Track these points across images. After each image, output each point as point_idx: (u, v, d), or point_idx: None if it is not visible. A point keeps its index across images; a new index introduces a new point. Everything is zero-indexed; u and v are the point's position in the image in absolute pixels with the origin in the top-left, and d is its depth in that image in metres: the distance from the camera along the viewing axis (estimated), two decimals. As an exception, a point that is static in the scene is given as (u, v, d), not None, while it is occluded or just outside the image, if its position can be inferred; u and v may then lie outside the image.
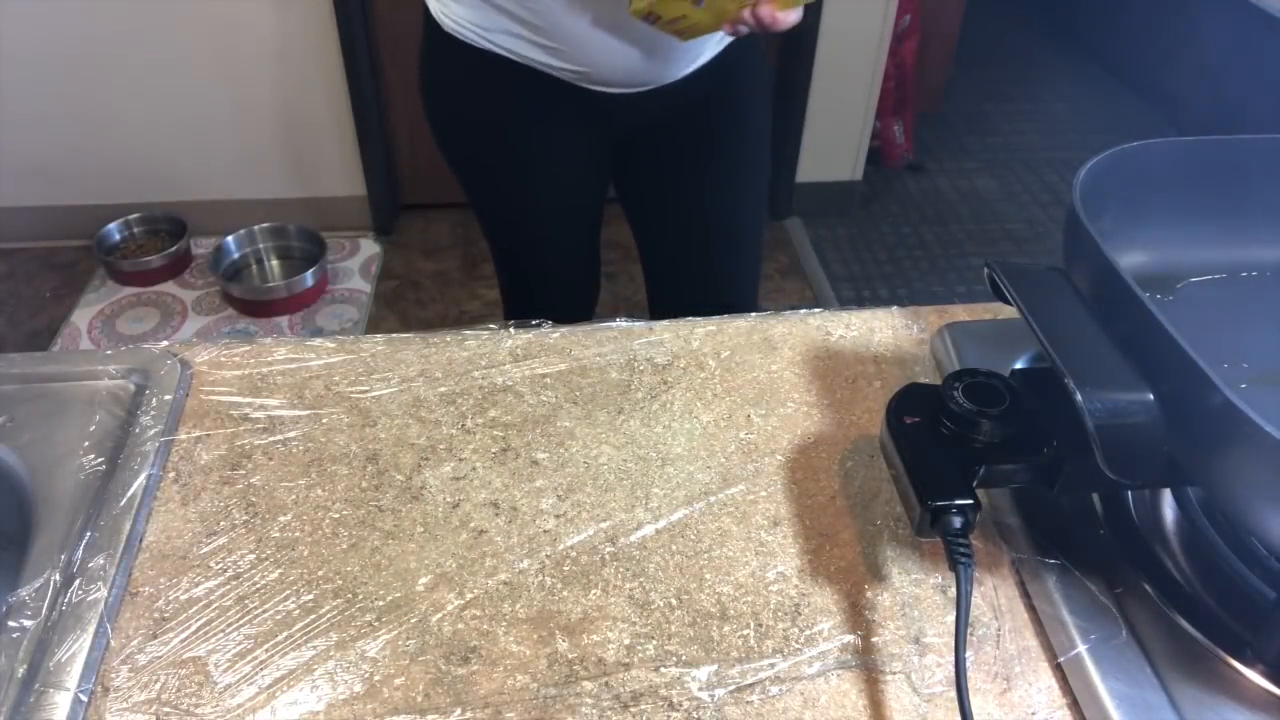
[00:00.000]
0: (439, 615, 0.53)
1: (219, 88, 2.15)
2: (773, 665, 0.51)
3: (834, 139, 2.44)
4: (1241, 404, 0.39)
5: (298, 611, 0.53)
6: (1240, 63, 2.66)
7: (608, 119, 1.02)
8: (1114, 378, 0.45)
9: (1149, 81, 3.12)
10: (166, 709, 0.48)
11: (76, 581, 0.53)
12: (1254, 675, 0.47)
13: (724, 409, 0.66)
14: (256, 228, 2.28)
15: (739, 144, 1.09)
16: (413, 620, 0.53)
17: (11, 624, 0.51)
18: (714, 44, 0.98)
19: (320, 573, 0.55)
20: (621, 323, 0.72)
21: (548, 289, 1.21)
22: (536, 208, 1.12)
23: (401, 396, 0.66)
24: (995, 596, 0.54)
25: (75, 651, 0.49)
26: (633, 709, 0.49)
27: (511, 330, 0.72)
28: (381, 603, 0.53)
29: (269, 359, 0.69)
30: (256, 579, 0.54)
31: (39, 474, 0.59)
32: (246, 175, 2.30)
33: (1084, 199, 0.51)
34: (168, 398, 0.64)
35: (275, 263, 2.31)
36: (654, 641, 0.52)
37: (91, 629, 0.51)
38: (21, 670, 0.49)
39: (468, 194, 1.15)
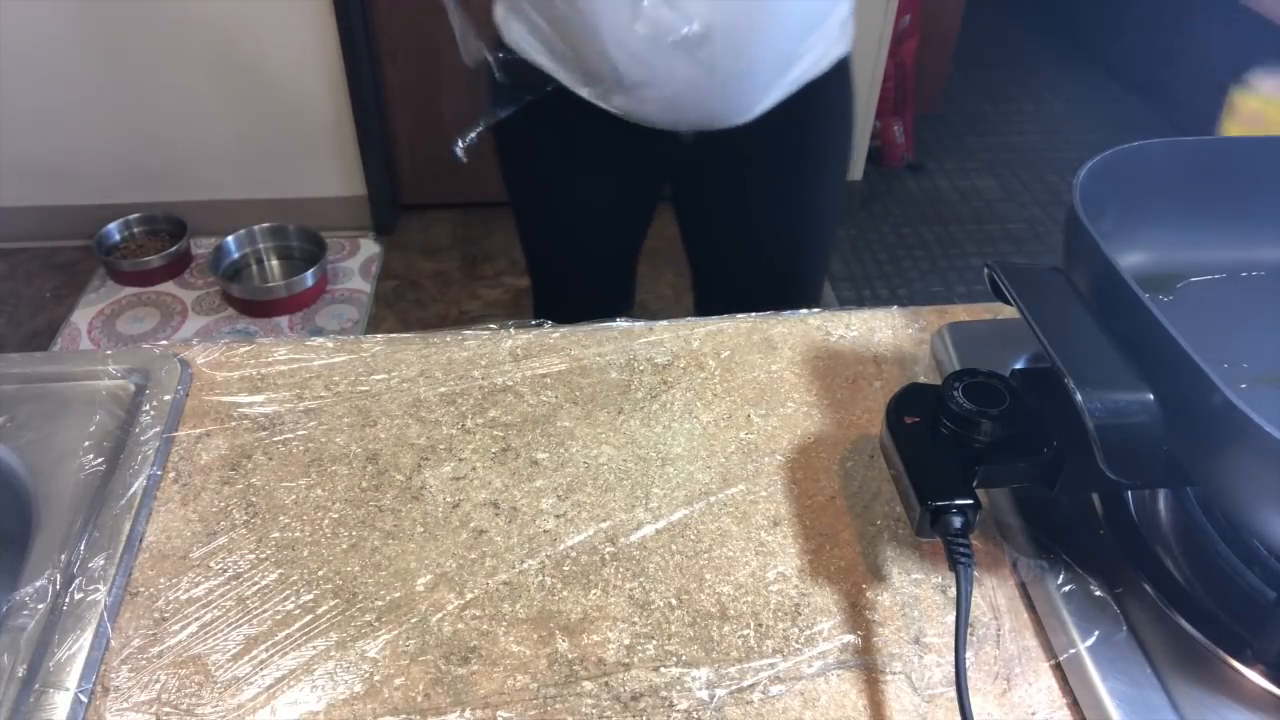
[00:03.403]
0: (439, 615, 0.53)
1: (219, 87, 2.15)
2: (773, 665, 0.51)
3: (834, 139, 2.43)
4: (1241, 404, 0.39)
5: (298, 611, 0.53)
6: (1240, 63, 2.66)
7: (665, 150, 0.96)
8: (1114, 378, 0.45)
9: (1149, 81, 3.12)
10: (166, 709, 0.48)
11: (76, 581, 0.53)
12: (1254, 675, 0.47)
13: (724, 409, 0.66)
14: (256, 228, 2.28)
15: (813, 179, 1.02)
16: (413, 620, 0.53)
17: (11, 624, 0.51)
18: (786, 84, 0.91)
19: (320, 573, 0.55)
20: (621, 323, 0.72)
21: (580, 297, 1.18)
22: (580, 221, 1.08)
23: (401, 396, 0.66)
24: (995, 596, 0.54)
25: (75, 651, 0.49)
26: (633, 709, 0.49)
27: (511, 330, 0.72)
28: (381, 603, 0.53)
29: (269, 359, 0.69)
30: (256, 579, 0.54)
31: (39, 474, 0.59)
32: (246, 175, 2.30)
33: (1084, 199, 0.51)
34: (168, 398, 0.64)
35: (275, 263, 2.31)
36: (654, 641, 0.52)
37: (91, 629, 0.51)
38: (21, 670, 0.49)
39: (512, 200, 1.12)
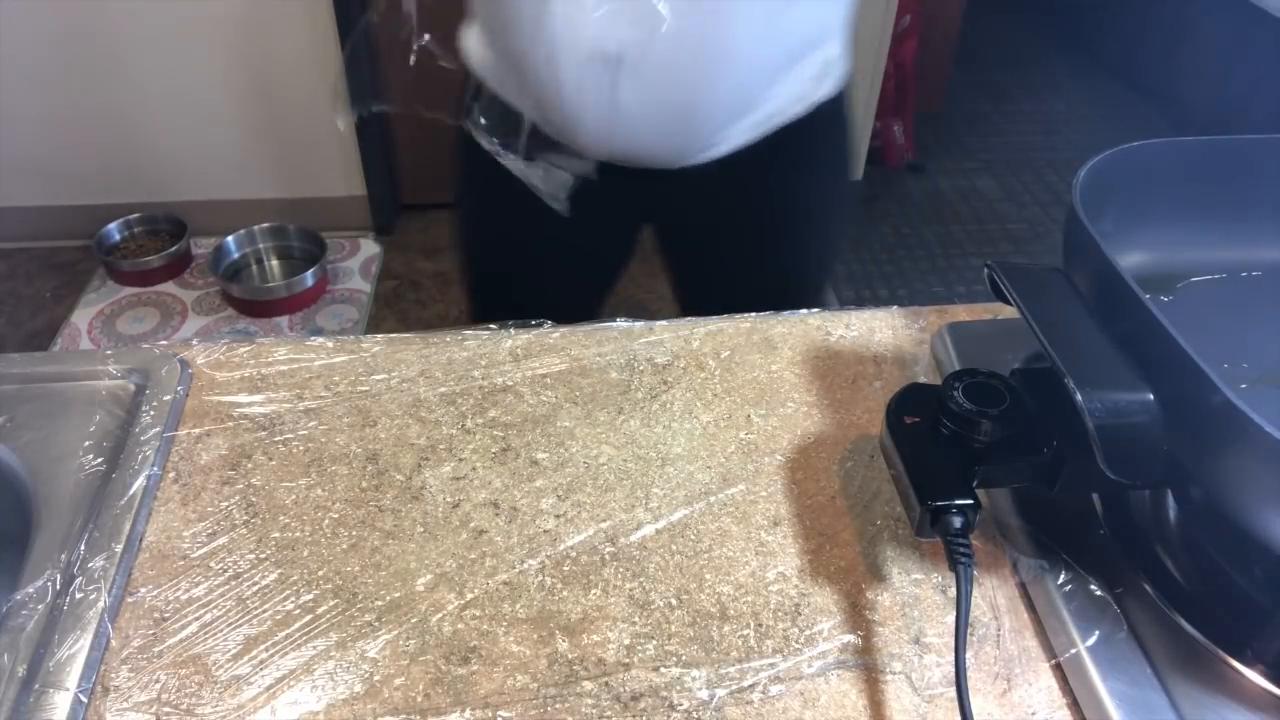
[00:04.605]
0: (439, 615, 0.53)
1: (219, 87, 2.15)
2: (773, 665, 0.51)
3: (834, 139, 2.44)
4: (1241, 404, 0.39)
5: (298, 611, 0.53)
6: (1240, 63, 2.66)
7: (633, 188, 0.90)
8: (1114, 378, 0.45)
9: (1149, 81, 3.12)
10: (166, 709, 0.48)
11: (76, 581, 0.53)
12: (1254, 675, 0.47)
13: (724, 409, 0.66)
14: (256, 228, 2.28)
15: (797, 225, 0.95)
16: (413, 620, 0.53)
17: (11, 624, 0.51)
18: (750, 126, 0.84)
19: (320, 573, 0.55)
20: (621, 323, 0.72)
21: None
22: (543, 257, 1.00)
23: (401, 396, 0.66)
24: (995, 596, 0.54)
25: (75, 651, 0.49)
26: (633, 709, 0.49)
27: (511, 330, 0.72)
28: (381, 603, 0.53)
29: (269, 359, 0.69)
30: (256, 579, 0.54)
31: (39, 474, 0.59)
32: (246, 175, 2.30)
33: (1084, 199, 0.51)
34: (168, 398, 0.64)
35: (275, 263, 2.31)
36: (654, 641, 0.52)
37: (91, 629, 0.51)
38: (21, 670, 0.49)
39: (464, 229, 1.04)
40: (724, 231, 0.97)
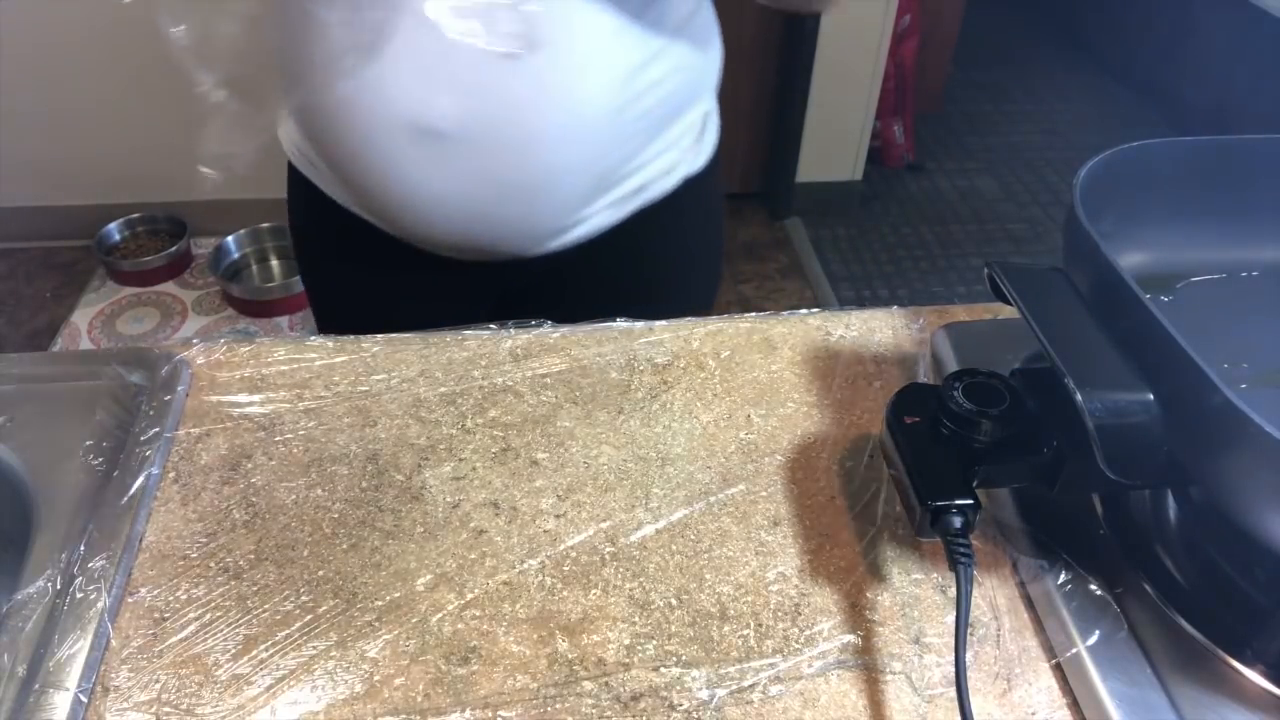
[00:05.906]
0: (439, 615, 0.53)
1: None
2: (773, 665, 0.51)
3: (834, 139, 2.44)
4: (1241, 404, 0.39)
5: (298, 611, 0.53)
6: (1240, 63, 2.67)
7: (483, 280, 0.82)
8: (1114, 378, 0.45)
9: (1149, 81, 3.12)
10: (166, 709, 0.48)
11: (76, 581, 0.53)
12: (1254, 675, 0.47)
13: (724, 409, 0.66)
14: (257, 227, 2.28)
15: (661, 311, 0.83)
16: (413, 620, 0.53)
17: (11, 624, 0.51)
18: (609, 206, 0.76)
19: (320, 573, 0.55)
20: (621, 323, 0.72)
21: None
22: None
23: (401, 396, 0.66)
24: (995, 596, 0.54)
25: (75, 651, 0.49)
26: (633, 709, 0.49)
27: (511, 330, 0.72)
28: (381, 603, 0.53)
29: (269, 359, 0.69)
30: (256, 579, 0.54)
31: (39, 474, 0.59)
32: (246, 175, 2.30)
33: (1084, 199, 0.51)
34: (168, 398, 0.64)
35: (276, 262, 2.31)
36: (654, 641, 0.52)
37: (91, 629, 0.51)
38: (21, 670, 0.49)
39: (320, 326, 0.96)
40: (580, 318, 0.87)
